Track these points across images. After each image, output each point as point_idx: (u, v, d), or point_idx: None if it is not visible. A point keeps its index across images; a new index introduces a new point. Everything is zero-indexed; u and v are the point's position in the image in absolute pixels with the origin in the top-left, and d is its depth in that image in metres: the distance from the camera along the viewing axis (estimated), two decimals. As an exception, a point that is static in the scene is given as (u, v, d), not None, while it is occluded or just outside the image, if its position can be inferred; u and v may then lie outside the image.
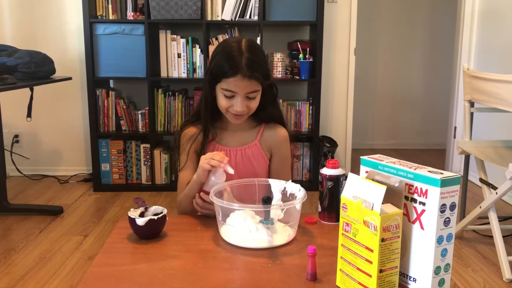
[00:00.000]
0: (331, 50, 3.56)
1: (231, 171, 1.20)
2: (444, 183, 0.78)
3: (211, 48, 3.25)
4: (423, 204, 0.81)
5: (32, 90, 2.80)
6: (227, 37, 3.26)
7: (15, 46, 2.99)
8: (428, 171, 0.82)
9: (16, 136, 3.66)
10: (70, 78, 3.04)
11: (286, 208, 1.11)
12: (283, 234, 1.11)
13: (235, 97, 1.31)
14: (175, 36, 3.29)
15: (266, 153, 1.43)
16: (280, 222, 1.14)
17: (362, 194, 0.83)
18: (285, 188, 1.19)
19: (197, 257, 1.03)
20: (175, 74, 3.34)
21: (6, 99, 3.14)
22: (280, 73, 3.33)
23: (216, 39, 3.26)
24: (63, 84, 3.25)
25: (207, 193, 1.23)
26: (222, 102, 1.33)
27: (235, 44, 1.32)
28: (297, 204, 1.10)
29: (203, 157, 1.24)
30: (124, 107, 3.38)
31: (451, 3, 4.10)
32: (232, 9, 3.19)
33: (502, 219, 2.56)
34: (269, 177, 1.43)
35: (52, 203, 3.10)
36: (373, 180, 0.85)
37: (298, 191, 1.17)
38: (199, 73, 3.32)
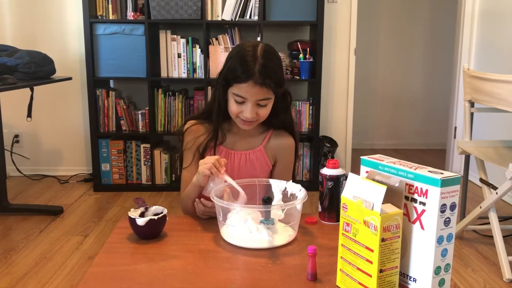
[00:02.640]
0: (331, 50, 3.56)
1: (229, 180, 1.18)
2: (444, 183, 0.78)
3: (211, 48, 3.25)
4: (423, 204, 0.81)
5: (32, 90, 2.80)
6: (227, 37, 3.26)
7: (15, 46, 2.99)
8: (428, 171, 0.82)
9: (16, 136, 3.66)
10: (70, 78, 3.04)
11: (286, 208, 1.11)
12: (284, 235, 1.11)
13: (246, 103, 1.28)
14: (175, 36, 3.29)
15: (270, 159, 1.42)
16: (281, 222, 1.13)
17: (362, 194, 0.83)
18: (285, 188, 1.19)
19: (198, 257, 1.03)
20: (175, 74, 3.34)
21: (6, 99, 3.14)
22: (280, 73, 3.32)
23: (216, 39, 3.26)
24: (63, 84, 3.25)
25: (206, 198, 1.23)
26: (233, 107, 1.31)
27: (250, 49, 1.28)
28: (298, 205, 1.10)
29: (202, 162, 1.22)
30: (124, 107, 3.38)
31: (451, 2, 4.10)
32: (232, 9, 3.19)
33: (502, 219, 2.56)
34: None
35: (52, 203, 3.10)
36: (373, 180, 0.85)
37: (298, 191, 1.16)
38: (199, 73, 3.32)
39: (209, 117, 1.39)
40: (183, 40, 3.29)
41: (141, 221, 1.10)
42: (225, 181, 1.19)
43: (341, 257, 0.89)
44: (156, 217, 1.11)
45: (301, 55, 3.25)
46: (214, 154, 1.38)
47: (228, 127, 1.41)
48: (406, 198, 0.84)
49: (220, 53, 3.23)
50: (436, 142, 4.69)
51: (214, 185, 1.20)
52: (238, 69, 1.26)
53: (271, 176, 1.43)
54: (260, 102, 1.29)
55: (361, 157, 0.94)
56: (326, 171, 1.20)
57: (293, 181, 1.21)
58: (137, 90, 3.55)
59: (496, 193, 2.19)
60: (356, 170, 0.92)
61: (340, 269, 0.90)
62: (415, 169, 0.83)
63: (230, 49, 1.40)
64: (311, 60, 3.27)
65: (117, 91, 3.44)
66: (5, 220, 2.79)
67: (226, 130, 1.40)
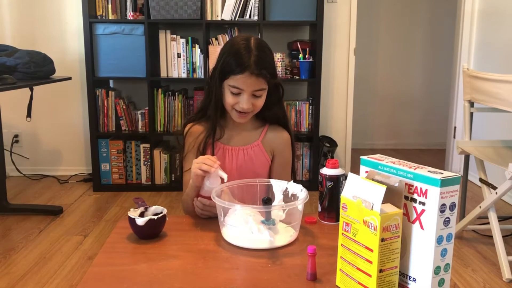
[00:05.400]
0: (331, 50, 3.56)
1: (224, 175, 1.18)
2: (444, 183, 0.78)
3: (211, 48, 3.25)
4: (423, 204, 0.81)
5: (32, 90, 2.80)
6: (227, 37, 3.25)
7: (15, 46, 2.98)
8: (428, 171, 0.82)
9: (16, 136, 3.66)
10: (69, 78, 3.04)
11: (288, 208, 1.11)
12: (285, 235, 1.11)
13: (242, 94, 1.31)
14: (174, 36, 3.29)
15: (269, 154, 1.43)
16: (282, 222, 1.13)
17: (362, 194, 0.83)
18: (286, 188, 1.19)
19: (197, 257, 1.03)
20: (175, 74, 3.34)
21: (6, 99, 3.14)
22: (280, 73, 3.33)
23: (216, 39, 3.26)
24: (63, 84, 3.24)
25: (205, 198, 1.23)
26: (228, 99, 1.33)
27: (243, 42, 1.31)
28: (299, 205, 1.10)
29: (194, 161, 1.22)
30: (124, 107, 3.38)
31: (451, 2, 4.10)
32: (232, 9, 3.19)
33: (502, 219, 2.56)
34: (270, 178, 1.42)
35: (52, 203, 3.10)
36: (373, 180, 0.85)
37: (300, 191, 1.16)
38: (199, 73, 3.32)
39: (205, 115, 1.41)
40: (182, 40, 3.29)
41: (140, 221, 1.10)
42: (221, 177, 1.19)
43: (341, 257, 0.89)
44: (155, 217, 1.11)
45: (300, 55, 3.25)
46: (213, 151, 1.39)
47: (225, 123, 1.42)
48: (406, 198, 0.84)
49: (219, 53, 3.23)
50: (436, 142, 4.69)
51: (210, 184, 1.20)
52: (234, 62, 1.29)
53: (270, 172, 1.44)
54: (256, 92, 1.31)
55: (360, 157, 0.94)
56: (325, 171, 1.20)
57: (294, 179, 1.21)
58: (136, 90, 3.55)
59: (496, 193, 2.19)
60: (355, 170, 0.92)
61: (340, 269, 0.90)
62: (414, 169, 0.83)
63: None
64: (310, 60, 3.27)
65: (116, 91, 3.43)
66: (5, 220, 2.78)
67: (223, 127, 1.41)
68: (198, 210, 1.26)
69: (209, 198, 1.16)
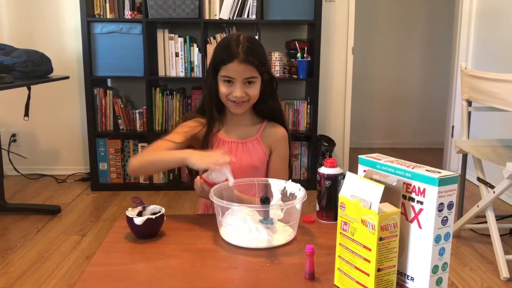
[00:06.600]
0: (329, 49, 3.56)
1: (231, 180, 1.17)
2: (442, 182, 0.78)
3: (209, 47, 3.24)
4: (421, 203, 0.81)
5: (29, 89, 2.80)
6: (225, 36, 3.25)
7: (13, 45, 2.98)
8: (426, 170, 0.82)
9: (14, 135, 3.65)
10: (67, 77, 3.03)
11: (286, 208, 1.11)
12: (284, 234, 1.11)
13: (234, 84, 1.35)
14: (173, 35, 3.29)
15: (267, 148, 1.46)
16: (280, 222, 1.13)
17: (360, 193, 0.83)
18: (285, 187, 1.19)
19: (196, 257, 1.03)
20: (173, 73, 3.33)
21: (4, 98, 3.14)
22: (278, 72, 3.33)
23: (214, 38, 3.26)
24: (60, 83, 3.24)
25: (207, 183, 1.23)
26: (223, 90, 1.37)
27: (234, 37, 1.39)
28: (297, 204, 1.10)
29: (214, 156, 1.20)
30: (122, 106, 3.38)
31: (449, 2, 4.10)
32: (230, 8, 3.19)
33: (499, 218, 2.57)
34: (267, 174, 1.45)
35: (49, 203, 3.10)
36: (371, 179, 0.85)
37: (298, 190, 1.16)
38: (197, 72, 3.32)
39: (205, 112, 1.45)
40: (180, 39, 3.29)
41: (138, 220, 1.09)
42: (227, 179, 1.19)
43: (339, 256, 0.89)
44: (153, 217, 1.11)
45: (299, 54, 3.25)
46: (206, 143, 1.42)
47: (224, 118, 1.46)
48: (404, 197, 0.84)
49: (218, 52, 3.23)
50: (434, 141, 4.69)
51: (216, 177, 1.19)
52: (224, 52, 1.35)
53: (268, 167, 1.47)
54: (247, 80, 1.36)
55: (359, 156, 0.94)
56: (324, 170, 1.20)
57: (290, 174, 1.22)
58: (134, 89, 3.55)
59: (493, 192, 2.19)
60: (353, 169, 0.92)
61: (338, 268, 0.90)
62: (412, 168, 0.83)
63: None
64: (309, 59, 3.27)
65: (114, 90, 3.43)
66: (3, 220, 2.78)
67: (222, 121, 1.46)
68: (198, 189, 1.26)
69: (211, 184, 1.17)
